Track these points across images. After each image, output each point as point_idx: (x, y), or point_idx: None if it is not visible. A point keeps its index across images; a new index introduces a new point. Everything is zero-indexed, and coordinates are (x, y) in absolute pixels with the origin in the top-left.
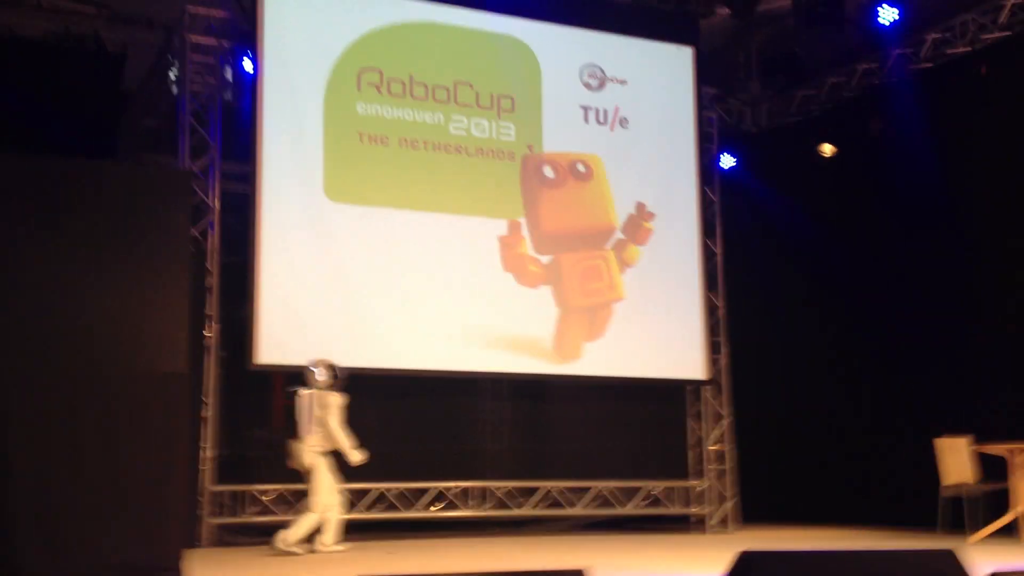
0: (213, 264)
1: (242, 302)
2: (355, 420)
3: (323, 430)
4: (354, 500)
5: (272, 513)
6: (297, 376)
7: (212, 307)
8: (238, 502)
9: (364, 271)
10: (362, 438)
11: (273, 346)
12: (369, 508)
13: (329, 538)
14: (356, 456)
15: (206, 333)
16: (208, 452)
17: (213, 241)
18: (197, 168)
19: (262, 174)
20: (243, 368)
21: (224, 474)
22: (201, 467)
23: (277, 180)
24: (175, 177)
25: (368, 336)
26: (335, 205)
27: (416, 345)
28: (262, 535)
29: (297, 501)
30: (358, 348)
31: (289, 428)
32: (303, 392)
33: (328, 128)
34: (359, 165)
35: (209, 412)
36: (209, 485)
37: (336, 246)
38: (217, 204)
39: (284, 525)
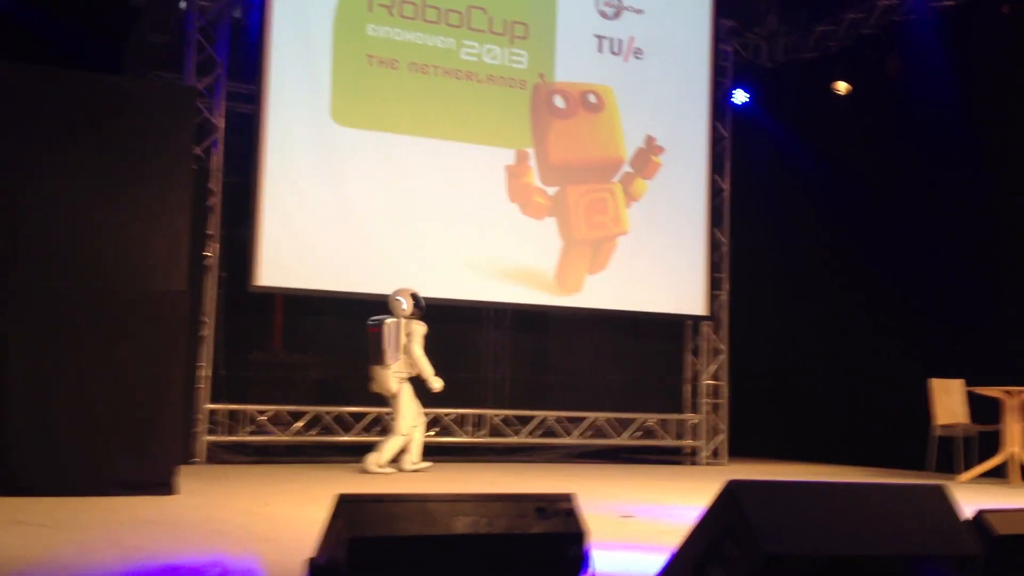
0: (216, 184)
1: (244, 223)
2: (356, 345)
3: (407, 357)
4: (352, 423)
5: (268, 433)
6: (308, 299)
7: (214, 227)
8: (234, 421)
9: (369, 196)
10: (363, 362)
11: (274, 268)
12: (367, 431)
13: (415, 456)
14: (437, 383)
15: (207, 253)
16: (206, 371)
17: (217, 160)
18: (203, 86)
19: (268, 94)
20: (243, 289)
21: (221, 394)
22: (198, 385)
23: (283, 101)
24: (180, 93)
25: (371, 261)
26: (341, 129)
27: (418, 272)
28: (257, 453)
29: (294, 421)
30: (360, 273)
31: (364, 355)
32: (388, 320)
33: (337, 49)
34: (367, 88)
35: (208, 331)
36: (205, 404)
37: (341, 170)
38: (222, 123)
39: (279, 445)
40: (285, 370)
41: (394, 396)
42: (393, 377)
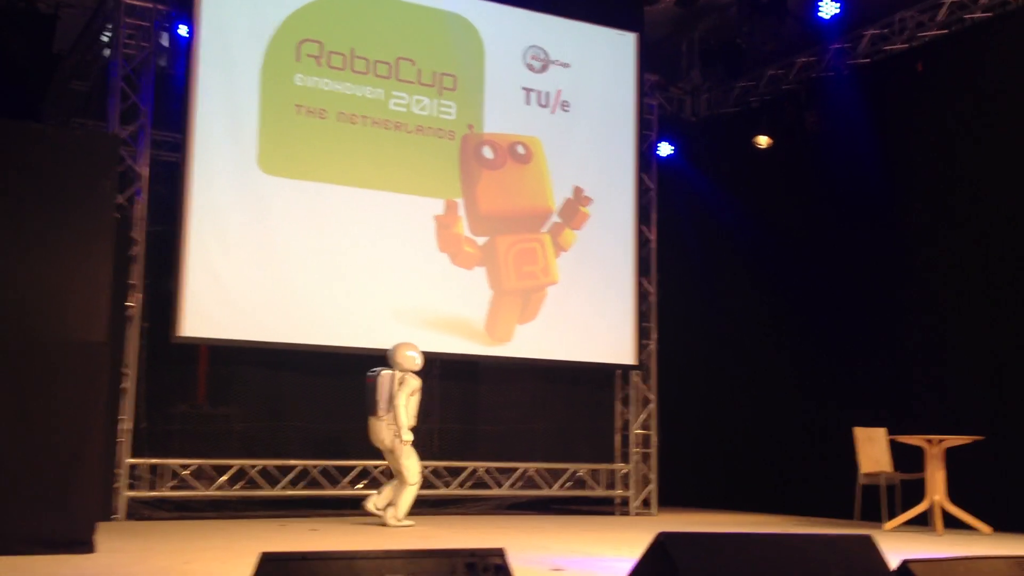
0: (139, 233)
1: (168, 273)
2: (283, 395)
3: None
4: (278, 476)
5: (190, 488)
6: (233, 350)
7: (136, 276)
8: (156, 476)
9: (296, 246)
10: (289, 414)
11: (198, 319)
12: (293, 485)
13: (382, 502)
14: (407, 436)
15: (129, 303)
16: (126, 424)
17: (140, 209)
18: (127, 134)
19: (194, 143)
20: (166, 340)
21: (144, 447)
22: (119, 439)
23: (209, 150)
24: (102, 142)
25: (298, 312)
26: (268, 178)
27: (347, 323)
28: (179, 509)
29: (219, 475)
30: (288, 324)
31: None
32: (384, 372)
33: (264, 99)
34: (295, 138)
35: (129, 384)
36: (126, 458)
37: (268, 220)
38: (146, 172)
39: (202, 500)
40: (209, 423)
41: (389, 449)
42: (386, 429)
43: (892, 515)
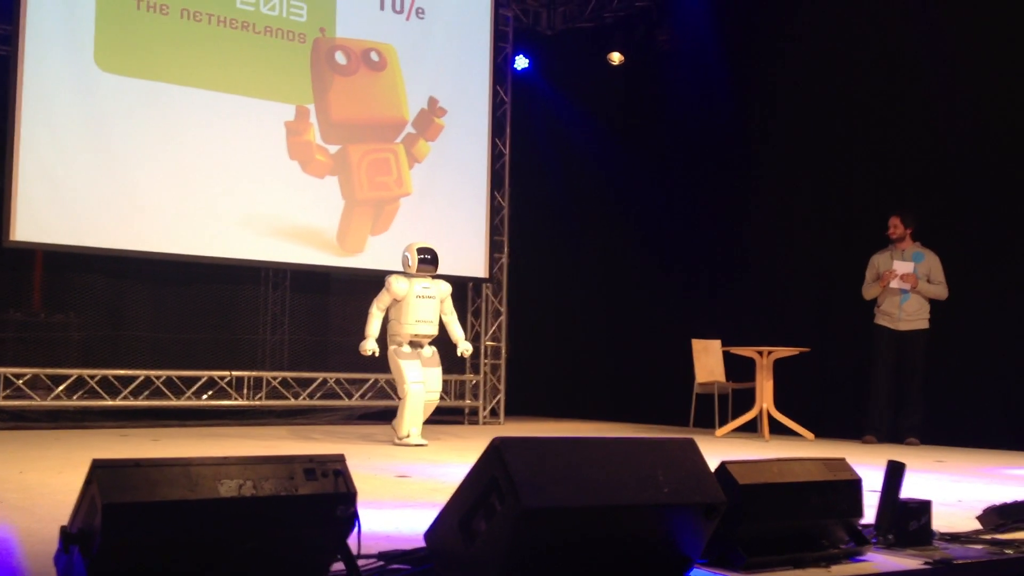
0: None
1: None
2: (126, 304)
3: (395, 316)
4: (119, 387)
5: (28, 398)
6: (72, 256)
7: None
8: None
9: (136, 148)
10: (132, 323)
11: (32, 222)
12: (135, 396)
13: (403, 426)
14: (364, 347)
15: None
16: None
17: None
18: None
19: (25, 35)
20: None
21: None
22: None
23: (41, 43)
24: None
25: (139, 217)
26: (106, 75)
27: (192, 230)
28: (13, 419)
29: (57, 385)
30: (129, 230)
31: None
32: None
33: None
34: (135, 34)
35: None
36: None
37: (105, 119)
38: None
39: (38, 410)
40: (45, 330)
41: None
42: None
43: (724, 422)
